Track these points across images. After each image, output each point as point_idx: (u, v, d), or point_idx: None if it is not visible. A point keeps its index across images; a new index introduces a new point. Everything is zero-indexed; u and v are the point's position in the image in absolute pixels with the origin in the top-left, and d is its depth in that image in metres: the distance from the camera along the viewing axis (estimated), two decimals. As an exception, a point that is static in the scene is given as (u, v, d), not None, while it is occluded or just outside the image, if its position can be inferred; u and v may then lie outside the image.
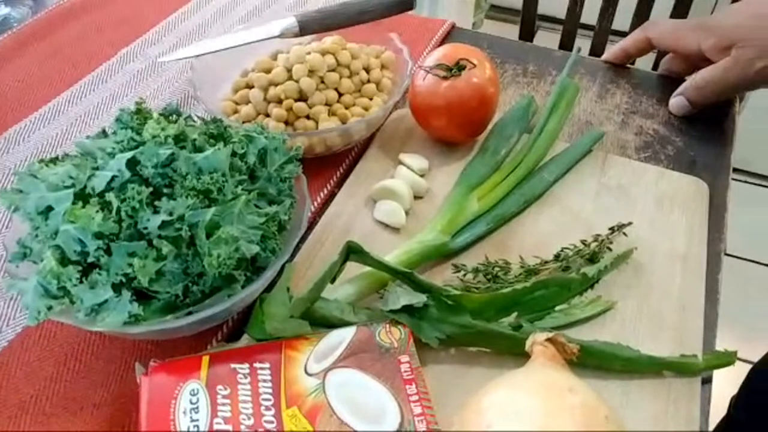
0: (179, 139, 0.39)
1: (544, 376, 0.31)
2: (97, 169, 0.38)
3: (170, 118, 0.43)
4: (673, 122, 0.60)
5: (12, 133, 0.56)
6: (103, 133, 0.43)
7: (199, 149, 0.40)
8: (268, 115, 0.52)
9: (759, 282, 1.45)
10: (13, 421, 0.37)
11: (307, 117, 0.52)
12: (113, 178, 0.37)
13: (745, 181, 1.68)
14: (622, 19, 1.06)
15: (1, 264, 0.46)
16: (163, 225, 0.36)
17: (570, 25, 1.07)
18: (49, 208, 0.37)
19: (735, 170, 0.56)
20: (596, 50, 1.08)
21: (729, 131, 0.59)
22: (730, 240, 0.52)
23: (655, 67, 1.08)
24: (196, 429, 0.32)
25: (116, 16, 0.71)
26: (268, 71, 0.54)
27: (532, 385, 0.30)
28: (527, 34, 1.12)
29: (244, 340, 0.39)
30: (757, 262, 1.48)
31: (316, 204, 0.50)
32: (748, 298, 1.39)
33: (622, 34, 1.07)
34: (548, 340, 0.34)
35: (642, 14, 1.04)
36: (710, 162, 0.55)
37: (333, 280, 0.40)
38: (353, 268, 0.41)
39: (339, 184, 0.52)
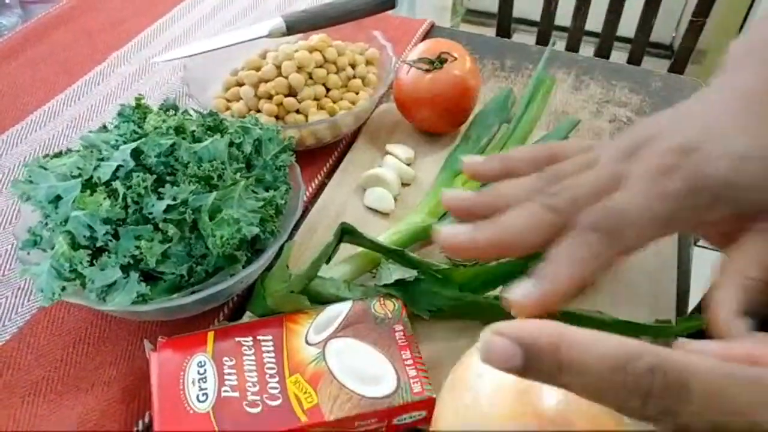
0: (179, 130, 0.41)
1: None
2: (102, 160, 0.40)
3: (168, 112, 0.45)
4: (645, 110, 0.63)
5: (9, 135, 0.58)
6: (104, 128, 0.45)
7: (197, 140, 0.42)
8: (258, 111, 0.55)
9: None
10: (26, 401, 0.38)
11: (297, 111, 0.54)
12: (118, 167, 0.39)
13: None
14: (594, 20, 1.10)
15: (6, 258, 0.47)
16: (168, 209, 0.38)
17: (545, 26, 1.11)
18: (58, 197, 0.39)
19: None
20: (571, 49, 1.12)
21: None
22: None
23: (630, 61, 1.13)
24: (205, 397, 0.34)
25: (105, 21, 0.73)
26: (257, 69, 0.56)
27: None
28: (504, 37, 1.16)
29: (246, 318, 0.41)
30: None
31: (309, 192, 0.52)
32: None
33: (595, 35, 1.11)
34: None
35: (614, 14, 1.09)
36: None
37: (328, 261, 0.42)
38: (347, 250, 0.44)
39: (329, 175, 0.55)
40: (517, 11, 1.15)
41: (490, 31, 1.17)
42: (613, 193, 0.33)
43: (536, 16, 1.11)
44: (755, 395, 0.21)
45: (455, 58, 0.53)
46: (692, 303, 0.46)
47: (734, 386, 0.21)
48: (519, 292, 0.32)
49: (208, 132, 0.43)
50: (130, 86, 0.65)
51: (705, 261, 0.49)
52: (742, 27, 1.77)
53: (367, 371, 0.36)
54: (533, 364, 0.21)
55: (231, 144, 0.42)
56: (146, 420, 0.38)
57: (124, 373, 0.40)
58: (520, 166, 0.37)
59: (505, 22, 1.14)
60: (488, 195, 0.36)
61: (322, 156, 0.56)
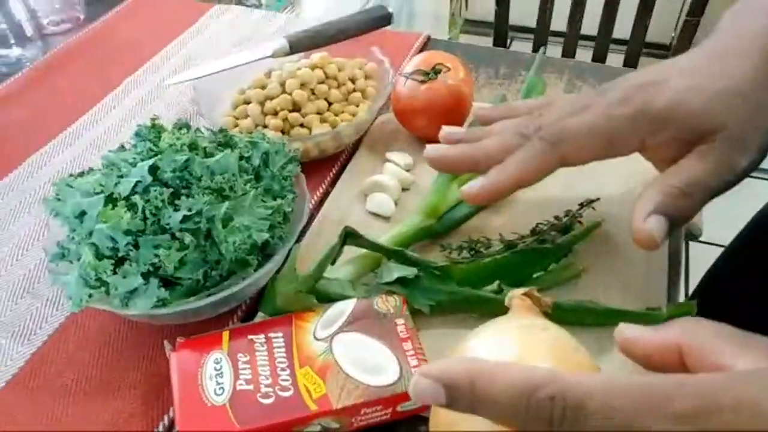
0: (192, 147, 0.45)
1: (520, 321, 0.36)
2: (122, 176, 0.44)
3: (181, 130, 0.48)
4: (634, 110, 0.65)
5: (35, 158, 0.62)
6: (122, 148, 0.49)
7: (209, 155, 0.46)
8: (265, 126, 0.58)
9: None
10: (58, 401, 0.42)
11: (301, 125, 0.58)
12: (137, 183, 0.43)
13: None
14: (590, 24, 1.13)
15: (35, 272, 0.51)
16: (184, 219, 0.41)
17: (541, 32, 1.14)
18: (83, 213, 0.42)
19: None
20: (567, 55, 1.15)
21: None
22: (706, 228, 0.56)
23: (627, 62, 1.15)
24: (222, 391, 0.37)
25: (120, 49, 0.77)
26: (263, 87, 0.59)
27: (510, 327, 0.35)
28: (501, 44, 1.19)
29: (259, 318, 0.44)
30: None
31: (314, 200, 0.55)
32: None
33: (591, 39, 1.14)
34: (525, 294, 0.39)
35: (609, 18, 1.11)
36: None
37: (333, 262, 0.45)
38: (350, 252, 0.47)
39: (333, 183, 0.58)
40: (514, 19, 1.18)
41: (489, 41, 1.20)
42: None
43: (532, 23, 1.14)
44: (641, 404, 0.23)
45: (449, 69, 0.56)
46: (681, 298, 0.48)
47: (622, 398, 0.23)
48: (472, 184, 0.44)
49: (219, 147, 0.47)
50: (143, 108, 0.69)
51: (701, 255, 0.51)
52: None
53: (371, 362, 0.39)
54: (454, 400, 0.24)
55: (241, 158, 0.46)
56: (170, 414, 0.41)
57: (146, 376, 0.43)
58: (519, 109, 0.48)
59: (502, 30, 1.17)
60: (477, 129, 0.48)
61: (326, 166, 0.59)
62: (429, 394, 0.24)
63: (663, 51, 2.11)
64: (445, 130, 0.49)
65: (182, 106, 0.68)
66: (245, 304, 0.47)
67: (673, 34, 2.12)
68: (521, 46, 1.98)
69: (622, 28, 1.13)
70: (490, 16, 1.18)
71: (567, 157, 0.43)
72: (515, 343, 0.33)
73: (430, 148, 0.47)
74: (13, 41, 0.77)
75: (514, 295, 0.39)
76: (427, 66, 0.57)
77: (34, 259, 0.52)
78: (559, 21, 1.14)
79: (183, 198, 0.42)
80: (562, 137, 0.42)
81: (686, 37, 1.12)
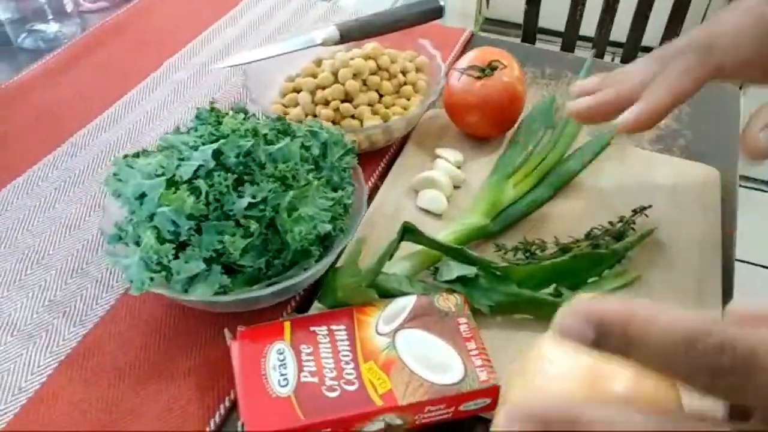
0: (254, 133, 0.44)
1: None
2: (182, 159, 0.43)
3: (239, 115, 0.47)
4: (683, 118, 0.65)
5: (77, 138, 0.61)
6: (178, 130, 0.48)
7: (269, 142, 0.45)
8: (315, 116, 0.57)
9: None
10: (113, 384, 0.41)
11: (352, 117, 0.57)
12: (199, 167, 0.42)
13: (753, 188, 1.66)
14: (618, 30, 1.12)
15: (83, 252, 0.50)
16: (249, 207, 0.40)
17: (570, 36, 1.13)
18: (143, 195, 0.42)
19: (743, 177, 0.60)
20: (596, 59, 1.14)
21: (735, 123, 0.64)
22: (739, 246, 0.55)
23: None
24: (286, 382, 0.37)
25: (158, 30, 0.76)
26: (314, 76, 0.59)
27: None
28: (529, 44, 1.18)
29: (314, 311, 0.43)
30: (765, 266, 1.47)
31: (365, 194, 0.55)
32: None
33: (619, 45, 1.13)
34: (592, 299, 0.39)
35: (639, 25, 1.10)
36: (719, 152, 0.61)
37: (390, 258, 0.45)
38: (403, 250, 0.46)
39: (381, 178, 0.57)
40: (541, 21, 1.17)
41: (509, 41, 1.19)
42: None
43: (557, 26, 1.13)
44: None
45: (504, 66, 0.56)
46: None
47: None
48: (626, 115, 0.43)
49: (279, 135, 0.46)
50: (184, 93, 0.68)
51: (747, 275, 0.50)
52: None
53: (435, 360, 0.38)
54: (604, 339, 0.22)
55: (301, 146, 0.45)
56: (226, 403, 0.40)
57: (200, 363, 0.42)
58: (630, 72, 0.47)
59: (530, 30, 1.16)
60: (608, 77, 0.48)
61: (375, 159, 0.58)
62: (575, 331, 0.23)
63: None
64: (579, 84, 0.49)
65: (224, 92, 0.67)
66: (299, 296, 0.47)
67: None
68: (546, 48, 1.96)
69: (650, 34, 1.12)
70: (511, 16, 1.17)
71: (723, 64, 0.43)
72: (593, 349, 0.33)
73: (573, 104, 0.47)
74: (51, 16, 0.76)
75: (583, 299, 0.39)
76: (482, 62, 0.56)
77: (81, 239, 0.51)
78: (587, 25, 1.13)
79: (247, 185, 0.41)
80: (712, 42, 0.43)
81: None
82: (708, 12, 1.89)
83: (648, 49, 1.14)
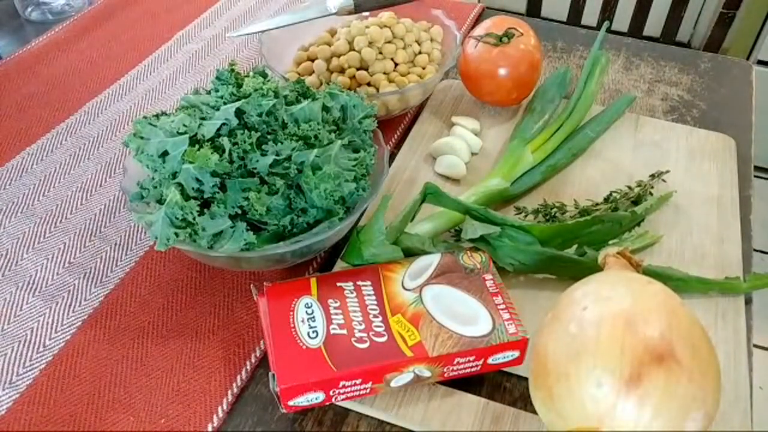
0: (276, 94, 0.44)
1: (623, 274, 0.36)
2: (204, 119, 0.43)
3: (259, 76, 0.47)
4: (696, 89, 0.65)
5: (90, 107, 0.60)
6: (197, 92, 0.48)
7: (290, 103, 0.45)
8: (330, 84, 0.57)
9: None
10: (136, 342, 0.41)
11: (368, 84, 0.57)
12: (222, 125, 0.42)
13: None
14: (619, 21, 1.11)
15: (101, 216, 0.50)
16: (273, 164, 0.40)
17: (571, 25, 1.12)
18: (165, 153, 0.41)
19: (758, 168, 0.58)
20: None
21: (748, 94, 0.64)
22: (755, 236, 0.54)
23: (664, 37, 1.13)
24: (315, 334, 0.37)
25: (167, 3, 0.76)
26: (328, 45, 0.58)
27: (616, 279, 0.35)
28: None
29: (338, 269, 0.43)
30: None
31: (382, 159, 0.55)
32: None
33: (621, 35, 1.13)
34: (618, 253, 0.39)
35: (640, 14, 1.10)
36: (733, 121, 0.61)
37: (412, 219, 0.45)
38: (423, 212, 0.46)
39: (397, 145, 0.57)
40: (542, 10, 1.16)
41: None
42: None
43: (558, 16, 1.13)
44: None
45: (521, 34, 0.55)
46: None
47: None
48: None
49: (299, 97, 0.46)
50: (198, 62, 0.67)
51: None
52: (763, 25, 1.78)
53: (463, 314, 0.38)
54: None
55: (323, 107, 0.45)
56: (252, 360, 0.40)
57: (225, 322, 0.42)
58: None
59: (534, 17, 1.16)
60: None
61: (391, 126, 0.58)
62: None
63: (684, 47, 2.10)
64: None
65: (238, 60, 0.67)
66: (320, 257, 0.46)
67: (692, 32, 2.12)
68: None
69: (650, 26, 1.12)
70: (507, 4, 1.17)
71: None
72: (626, 293, 0.33)
73: None
74: (58, -11, 0.75)
75: (609, 253, 0.39)
76: (499, 30, 0.56)
77: (99, 203, 0.51)
78: (588, 15, 1.13)
79: (270, 144, 0.41)
80: None
81: (720, 31, 1.11)
82: (706, 2, 1.89)
83: (650, 39, 1.15)
